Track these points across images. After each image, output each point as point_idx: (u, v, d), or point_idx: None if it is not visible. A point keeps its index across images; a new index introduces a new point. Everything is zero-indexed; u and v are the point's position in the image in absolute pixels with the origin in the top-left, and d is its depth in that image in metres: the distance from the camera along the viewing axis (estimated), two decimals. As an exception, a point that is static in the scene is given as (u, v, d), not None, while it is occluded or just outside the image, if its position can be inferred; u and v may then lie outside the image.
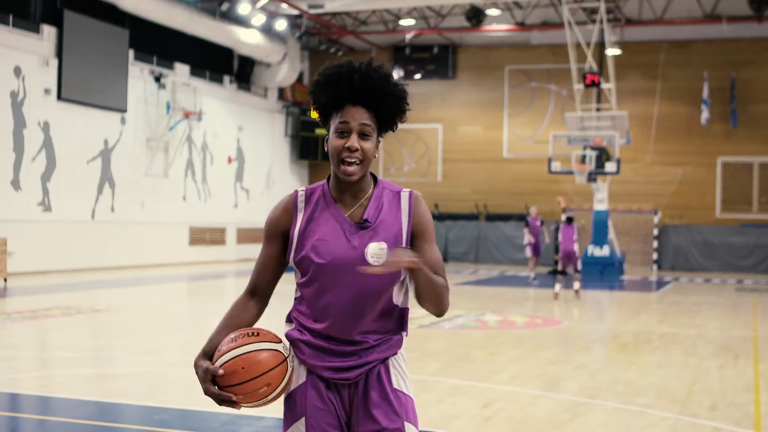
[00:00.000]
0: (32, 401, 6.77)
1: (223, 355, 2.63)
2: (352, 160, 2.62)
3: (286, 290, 3.15)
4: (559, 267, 16.96)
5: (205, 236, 25.59)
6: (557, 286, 16.61)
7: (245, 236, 27.46)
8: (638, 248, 26.87)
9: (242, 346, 2.60)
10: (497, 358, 8.97)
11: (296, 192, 2.75)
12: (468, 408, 6.54)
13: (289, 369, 2.62)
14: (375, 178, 2.76)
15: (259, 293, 2.85)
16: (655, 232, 26.51)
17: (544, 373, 8.19)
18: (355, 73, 2.63)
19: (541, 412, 6.50)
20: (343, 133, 2.63)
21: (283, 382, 2.60)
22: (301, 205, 2.73)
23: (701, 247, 26.57)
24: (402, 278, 2.68)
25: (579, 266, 16.81)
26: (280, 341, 2.65)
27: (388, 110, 2.68)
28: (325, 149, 2.72)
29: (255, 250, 27.85)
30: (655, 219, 26.49)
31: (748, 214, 26.91)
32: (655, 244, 26.52)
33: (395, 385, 2.71)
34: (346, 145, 2.62)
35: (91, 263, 21.05)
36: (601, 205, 24.09)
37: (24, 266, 18.78)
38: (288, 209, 2.74)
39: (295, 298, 2.80)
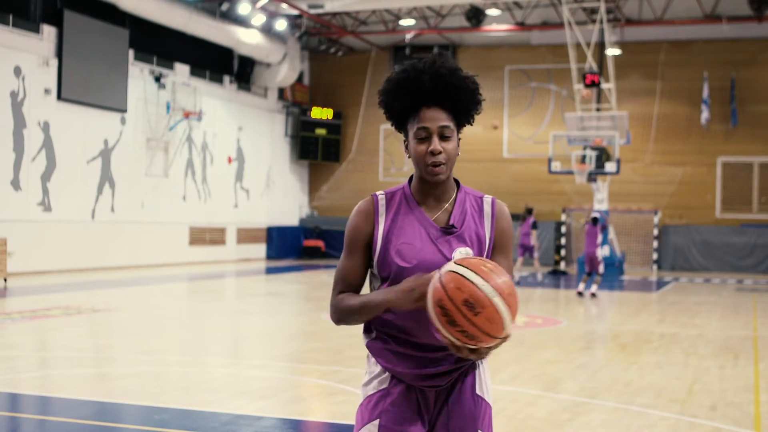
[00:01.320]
0: (32, 401, 6.77)
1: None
2: (438, 163, 2.58)
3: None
4: (586, 269, 16.70)
5: (205, 236, 25.59)
6: (581, 285, 16.57)
7: (245, 236, 27.46)
8: (638, 248, 26.87)
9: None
10: (497, 358, 8.97)
11: (375, 196, 2.68)
12: (468, 408, 6.52)
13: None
14: (457, 183, 2.72)
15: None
16: (655, 232, 26.51)
17: (544, 373, 8.19)
18: (424, 74, 2.58)
19: (541, 412, 6.50)
20: (424, 138, 2.59)
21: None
22: (382, 209, 2.66)
23: (701, 247, 26.58)
24: None
25: (601, 269, 16.54)
26: None
27: (464, 105, 2.62)
28: (407, 155, 2.66)
29: (255, 250, 27.88)
30: (655, 219, 26.49)
31: (748, 214, 26.91)
32: (655, 244, 26.52)
33: (478, 392, 2.69)
34: (429, 149, 2.58)
35: (91, 263, 21.04)
36: (601, 205, 24.09)
37: (24, 266, 18.78)
38: (369, 214, 2.66)
39: None
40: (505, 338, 2.35)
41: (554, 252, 27.08)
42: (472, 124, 2.71)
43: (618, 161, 23.42)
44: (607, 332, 11.95)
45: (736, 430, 6.09)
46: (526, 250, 20.96)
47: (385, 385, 2.64)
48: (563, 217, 27.19)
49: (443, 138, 2.60)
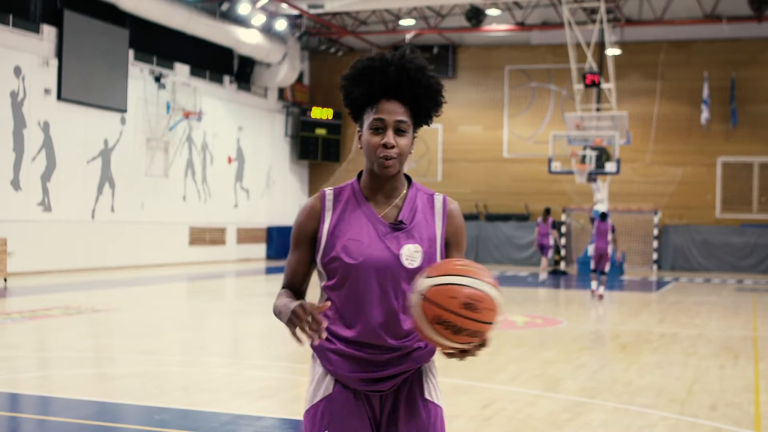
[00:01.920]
0: (32, 401, 6.77)
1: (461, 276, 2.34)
2: (390, 157, 2.53)
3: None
4: (592, 266, 16.52)
5: (205, 236, 25.59)
6: (594, 284, 16.39)
7: (245, 236, 27.46)
8: (638, 248, 26.87)
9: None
10: (497, 358, 8.97)
11: (323, 192, 2.63)
12: (468, 408, 6.53)
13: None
14: (409, 180, 2.66)
15: (294, 291, 2.71)
16: (655, 232, 26.51)
17: (544, 373, 8.19)
18: (390, 65, 2.53)
19: (541, 412, 6.50)
20: (378, 129, 2.53)
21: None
22: (329, 204, 2.60)
23: (701, 247, 26.57)
24: None
25: (607, 268, 16.32)
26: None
27: (425, 104, 2.56)
28: (358, 145, 2.61)
29: (255, 250, 27.88)
30: (655, 219, 26.49)
31: (748, 214, 26.91)
32: (655, 244, 26.52)
33: (426, 395, 2.61)
34: (382, 142, 2.52)
35: (91, 263, 21.04)
36: (601, 205, 24.08)
37: (24, 266, 18.78)
38: (315, 211, 2.61)
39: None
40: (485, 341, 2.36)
41: (554, 252, 27.08)
42: (429, 125, 2.65)
43: (618, 161, 23.42)
44: (607, 332, 11.95)
45: (736, 430, 6.09)
46: (547, 249, 21.25)
47: (329, 391, 2.58)
48: (563, 217, 27.19)
49: (398, 132, 2.54)
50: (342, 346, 2.56)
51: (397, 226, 2.56)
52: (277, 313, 2.56)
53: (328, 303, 2.46)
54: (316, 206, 2.61)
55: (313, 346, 2.62)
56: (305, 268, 2.66)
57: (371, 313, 2.51)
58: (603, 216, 16.64)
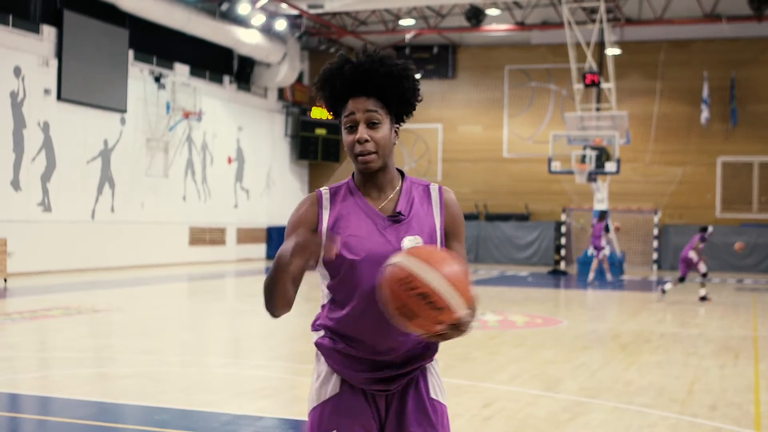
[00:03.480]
0: (32, 401, 6.77)
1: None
2: (365, 152, 2.50)
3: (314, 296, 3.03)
4: (680, 273, 16.38)
5: (205, 236, 25.59)
6: (668, 285, 16.26)
7: (245, 236, 27.46)
8: (638, 248, 26.87)
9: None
10: (497, 358, 8.97)
11: (319, 191, 2.61)
12: (468, 408, 6.53)
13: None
14: (402, 174, 2.65)
15: None
16: (655, 231, 26.51)
17: (544, 373, 8.19)
18: (346, 64, 2.53)
19: (541, 412, 6.50)
20: (352, 127, 2.52)
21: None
22: (326, 202, 2.58)
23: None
24: None
25: (703, 269, 15.95)
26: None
27: (391, 92, 2.53)
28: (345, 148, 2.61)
29: (255, 250, 27.88)
30: (655, 219, 26.49)
31: (748, 213, 26.91)
32: (655, 243, 26.52)
33: (432, 395, 2.61)
34: (355, 138, 2.50)
35: (91, 263, 21.05)
36: (601, 205, 24.08)
37: (24, 266, 18.78)
38: (313, 206, 2.58)
39: (323, 305, 2.65)
40: (458, 321, 2.30)
41: (554, 252, 27.09)
42: (410, 112, 2.61)
43: (618, 161, 23.41)
44: (607, 332, 11.95)
45: (736, 430, 6.08)
46: (599, 250, 21.42)
47: (336, 391, 2.56)
48: (563, 217, 27.19)
49: (371, 126, 2.51)
50: (347, 345, 2.54)
51: (395, 218, 2.54)
52: (267, 285, 2.45)
53: (326, 282, 2.48)
54: (315, 202, 2.59)
55: (317, 344, 2.61)
56: None
57: (374, 310, 2.48)
58: (703, 229, 16.70)
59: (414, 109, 2.63)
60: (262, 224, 28.40)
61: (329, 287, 2.59)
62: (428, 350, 2.59)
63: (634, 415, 6.49)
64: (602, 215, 21.63)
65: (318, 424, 2.57)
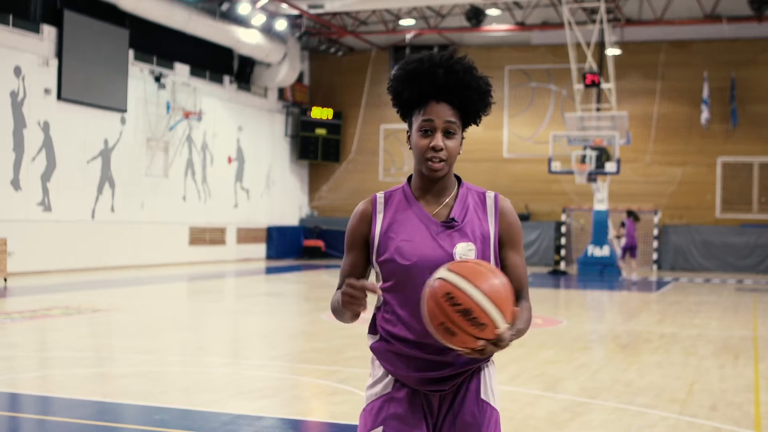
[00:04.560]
0: (32, 401, 6.77)
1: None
2: (438, 159, 2.53)
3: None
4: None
5: (205, 236, 25.59)
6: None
7: (245, 236, 27.46)
8: (638, 248, 26.85)
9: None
10: (497, 358, 8.96)
11: (374, 195, 2.65)
12: (468, 408, 6.52)
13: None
14: (459, 179, 2.67)
15: None
16: (655, 232, 26.51)
17: (544, 373, 8.19)
18: (438, 67, 2.53)
19: (541, 412, 6.50)
20: (428, 131, 2.54)
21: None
22: (380, 207, 2.61)
23: (701, 247, 26.57)
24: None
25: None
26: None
27: (474, 105, 2.58)
28: (408, 146, 2.62)
29: (255, 250, 27.88)
30: (655, 219, 26.49)
31: (748, 214, 26.91)
32: (655, 244, 26.52)
33: (483, 396, 2.60)
34: (431, 145, 2.52)
35: (91, 263, 21.04)
36: (601, 205, 24.08)
37: (24, 266, 18.78)
38: (366, 214, 2.62)
39: (377, 306, 2.65)
40: (499, 337, 2.29)
41: (554, 252, 27.09)
42: (478, 125, 2.67)
43: (618, 161, 23.41)
44: (607, 332, 11.95)
45: (736, 430, 6.08)
46: (635, 250, 21.54)
47: (388, 390, 2.58)
48: (563, 217, 27.19)
49: (447, 134, 2.55)
50: (401, 347, 2.55)
51: (449, 224, 2.56)
52: (334, 309, 2.62)
53: (379, 284, 2.52)
54: (368, 209, 2.63)
55: (372, 347, 2.63)
56: (360, 271, 2.66)
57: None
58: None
59: (480, 123, 2.68)
60: (262, 224, 28.40)
61: (383, 290, 2.60)
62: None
63: (634, 415, 6.49)
64: (631, 213, 21.87)
65: (367, 421, 2.60)
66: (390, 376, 2.59)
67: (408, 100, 2.57)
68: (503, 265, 2.62)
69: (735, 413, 6.61)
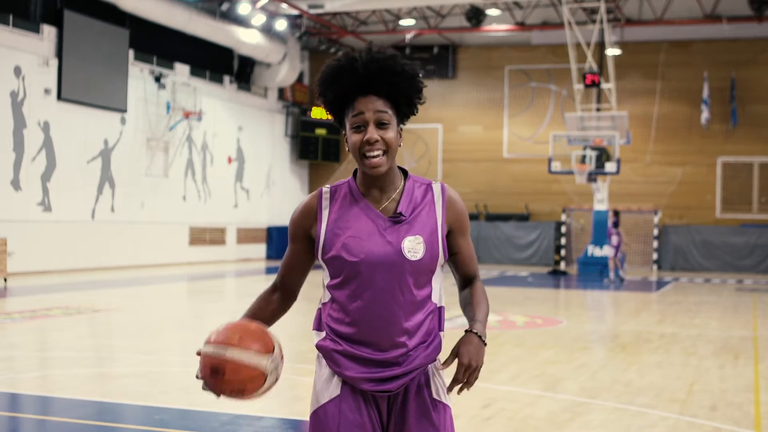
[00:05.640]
0: (32, 401, 6.77)
1: (209, 344, 2.54)
2: (375, 153, 2.46)
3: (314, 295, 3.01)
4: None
5: (205, 236, 25.59)
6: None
7: (245, 236, 27.46)
8: (638, 248, 26.87)
9: (228, 346, 2.47)
10: (497, 358, 8.97)
11: (320, 190, 2.59)
12: (468, 408, 6.53)
13: (266, 386, 2.47)
14: (405, 172, 2.62)
15: (284, 289, 2.71)
16: (655, 232, 26.51)
17: (544, 373, 8.19)
18: (356, 61, 2.47)
19: (541, 412, 6.50)
20: (359, 126, 2.47)
21: (257, 394, 2.48)
22: (326, 202, 2.56)
23: (701, 247, 26.57)
24: (435, 272, 2.56)
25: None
26: (269, 352, 2.45)
27: (403, 92, 2.50)
28: (346, 148, 2.56)
29: (255, 250, 27.88)
30: (655, 219, 26.49)
31: (748, 214, 26.91)
32: (655, 244, 26.52)
33: (435, 395, 2.57)
34: (364, 138, 2.46)
35: (91, 263, 21.05)
36: (601, 205, 24.08)
37: (24, 266, 18.78)
38: (311, 208, 2.58)
39: (324, 303, 2.62)
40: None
41: (554, 252, 27.09)
42: (415, 114, 2.60)
43: (618, 161, 23.41)
44: (607, 332, 11.95)
45: (736, 430, 6.08)
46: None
47: (337, 393, 2.53)
48: (563, 217, 27.19)
49: (381, 126, 2.47)
50: (347, 346, 2.52)
51: (396, 219, 2.52)
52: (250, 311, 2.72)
53: (327, 281, 2.59)
54: (313, 204, 2.59)
55: (318, 346, 2.59)
56: (301, 265, 2.66)
57: (376, 311, 2.47)
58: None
59: (417, 111, 2.61)
60: (262, 224, 28.40)
61: (329, 287, 2.57)
62: (431, 350, 2.56)
63: (634, 415, 6.49)
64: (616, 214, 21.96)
65: (318, 428, 2.55)
66: (336, 378, 2.54)
67: (335, 101, 2.52)
68: (454, 252, 2.61)
69: (735, 413, 6.61)
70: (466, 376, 2.45)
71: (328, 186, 2.62)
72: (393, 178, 2.56)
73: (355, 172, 2.62)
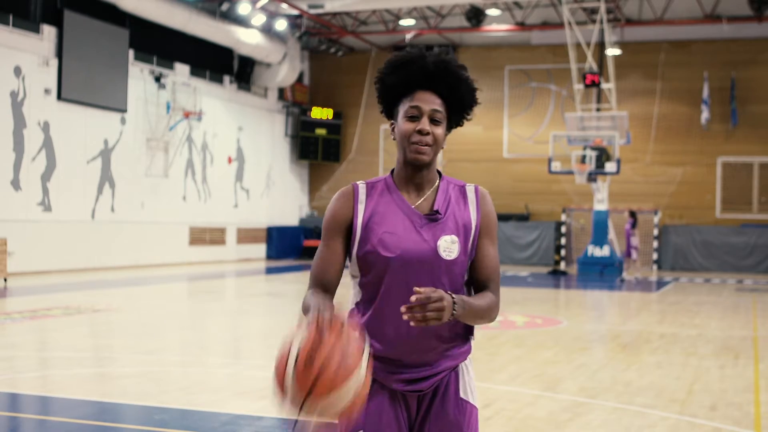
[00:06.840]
0: (32, 401, 6.77)
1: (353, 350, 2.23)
2: (424, 143, 2.50)
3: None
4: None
5: (205, 236, 25.59)
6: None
7: (245, 236, 27.46)
8: (638, 248, 26.84)
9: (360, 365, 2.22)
10: (497, 358, 8.97)
11: (355, 184, 2.59)
12: (468, 408, 6.52)
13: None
14: (440, 173, 2.65)
15: (321, 291, 2.55)
16: (655, 232, 26.50)
17: (544, 373, 8.19)
18: (427, 57, 2.54)
19: (541, 412, 6.50)
20: (414, 117, 2.52)
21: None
22: (362, 196, 2.56)
23: (701, 247, 26.56)
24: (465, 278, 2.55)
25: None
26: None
27: (460, 98, 2.56)
28: (392, 137, 2.59)
29: (255, 250, 27.87)
30: (655, 219, 26.49)
31: (748, 214, 26.91)
32: (655, 244, 26.52)
33: (462, 395, 2.59)
34: (417, 128, 2.51)
35: (91, 263, 21.04)
36: (601, 205, 24.08)
37: (24, 266, 18.78)
38: (348, 200, 2.56)
39: (355, 303, 2.60)
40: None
41: (554, 252, 27.09)
42: (462, 125, 2.65)
43: (618, 161, 23.41)
44: (607, 332, 11.95)
45: (736, 430, 6.08)
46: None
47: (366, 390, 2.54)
48: (563, 217, 27.19)
49: (433, 121, 2.53)
50: (380, 347, 2.52)
51: (432, 216, 2.54)
52: (306, 312, 2.44)
53: (356, 279, 2.49)
54: (349, 197, 2.57)
55: None
56: (339, 261, 2.56)
57: (403, 319, 2.41)
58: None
59: (463, 124, 2.66)
60: (262, 224, 28.39)
61: (361, 285, 2.56)
62: (461, 350, 2.58)
63: (634, 415, 6.50)
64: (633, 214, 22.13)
65: (345, 424, 2.55)
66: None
67: (395, 87, 2.55)
68: (479, 253, 2.59)
69: (735, 413, 6.61)
70: (423, 304, 2.28)
71: (363, 181, 2.62)
72: (431, 176, 2.60)
73: (392, 171, 2.63)
